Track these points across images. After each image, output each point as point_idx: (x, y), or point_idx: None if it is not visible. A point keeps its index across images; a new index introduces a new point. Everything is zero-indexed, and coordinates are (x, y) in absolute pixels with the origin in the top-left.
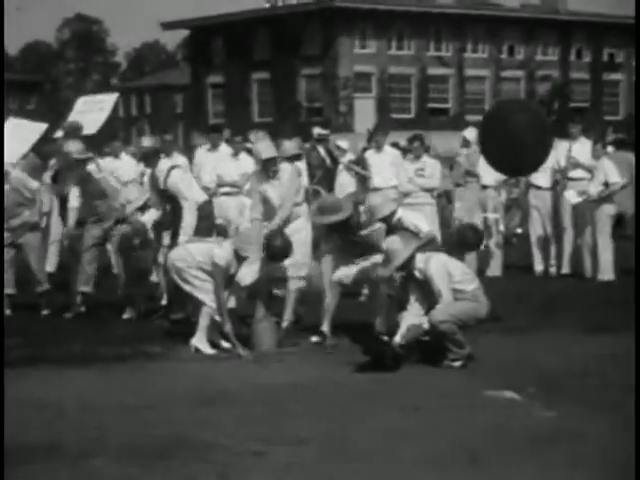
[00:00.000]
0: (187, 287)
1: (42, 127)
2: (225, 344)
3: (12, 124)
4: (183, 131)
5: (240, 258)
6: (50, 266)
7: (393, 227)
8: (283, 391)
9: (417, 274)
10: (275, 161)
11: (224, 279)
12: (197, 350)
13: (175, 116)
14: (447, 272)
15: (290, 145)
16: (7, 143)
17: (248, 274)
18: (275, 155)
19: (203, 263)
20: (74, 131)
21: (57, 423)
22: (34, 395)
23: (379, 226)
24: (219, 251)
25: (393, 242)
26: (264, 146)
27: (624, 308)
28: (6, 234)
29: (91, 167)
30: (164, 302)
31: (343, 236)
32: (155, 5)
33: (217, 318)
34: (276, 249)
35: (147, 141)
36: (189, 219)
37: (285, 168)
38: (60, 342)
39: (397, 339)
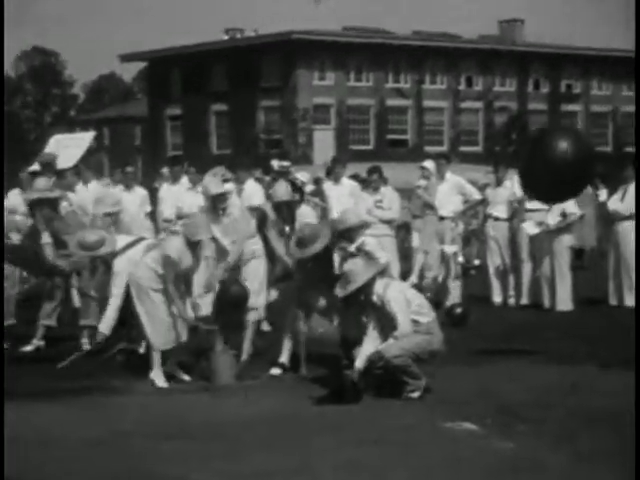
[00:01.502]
0: (140, 310)
1: None
2: (185, 376)
3: None
4: (142, 163)
5: (193, 248)
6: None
7: (353, 252)
8: (244, 425)
9: (375, 299)
10: (225, 197)
11: (175, 273)
12: (153, 384)
13: (134, 148)
14: (405, 300)
15: (283, 190)
16: None
17: (204, 305)
18: (224, 191)
19: (156, 268)
20: (48, 164)
21: (17, 458)
22: None
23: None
24: (168, 244)
25: (354, 264)
26: (213, 181)
27: (583, 338)
28: None
29: (63, 204)
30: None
31: (319, 264)
32: (111, 37)
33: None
34: (232, 298)
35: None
36: None
37: (234, 204)
38: (19, 376)
39: (357, 364)
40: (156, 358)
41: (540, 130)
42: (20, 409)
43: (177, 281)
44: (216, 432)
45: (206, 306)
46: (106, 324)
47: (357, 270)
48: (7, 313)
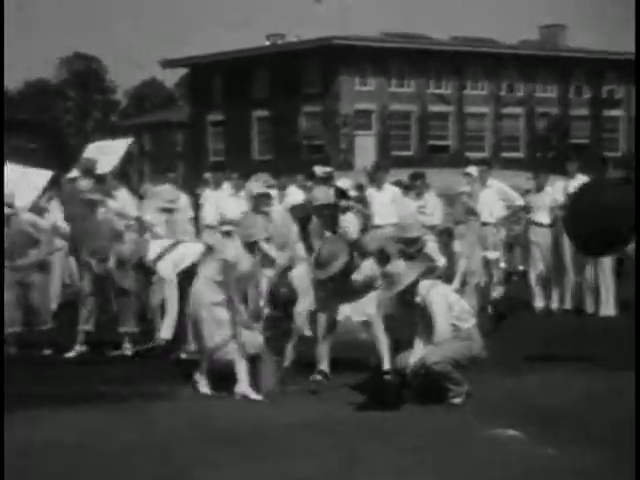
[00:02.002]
0: (200, 319)
1: (48, 174)
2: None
3: (19, 173)
4: (184, 169)
5: (251, 250)
6: (53, 304)
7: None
8: (286, 430)
9: (419, 300)
10: (267, 198)
11: (234, 277)
12: (245, 397)
13: (175, 154)
14: (447, 303)
15: (323, 193)
16: (18, 190)
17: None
18: (267, 191)
19: (214, 277)
20: (88, 170)
21: (57, 464)
22: (34, 436)
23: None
24: (226, 250)
25: (398, 266)
26: (256, 183)
27: (625, 344)
28: (14, 273)
29: (100, 209)
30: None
31: (339, 281)
32: (153, 43)
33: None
34: (281, 297)
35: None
36: None
37: (277, 210)
38: (61, 382)
39: (409, 367)
40: (243, 369)
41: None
42: (62, 414)
43: (238, 286)
44: (258, 437)
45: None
46: (167, 329)
47: (401, 272)
48: (44, 318)
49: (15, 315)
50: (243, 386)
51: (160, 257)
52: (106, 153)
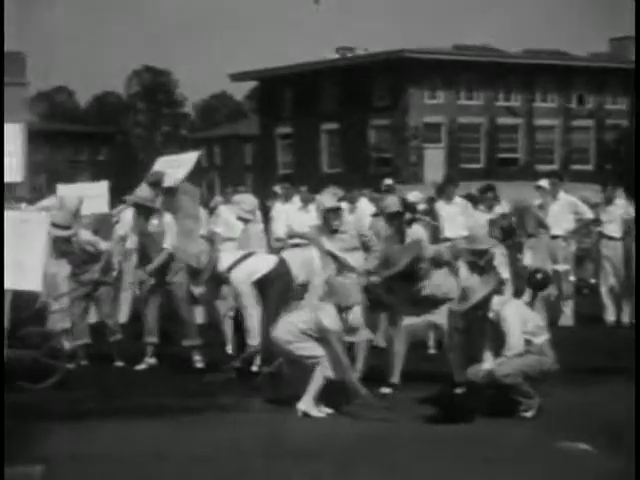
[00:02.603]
0: (301, 352)
1: (104, 185)
2: (325, 409)
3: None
4: (253, 182)
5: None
6: (123, 316)
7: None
8: (356, 443)
9: (492, 315)
10: (338, 212)
11: (342, 341)
12: (306, 414)
13: (244, 167)
14: (521, 319)
15: (393, 201)
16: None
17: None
18: (338, 205)
19: (307, 330)
20: (156, 181)
21: (128, 475)
22: (105, 447)
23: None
24: (326, 317)
25: (471, 281)
26: (327, 196)
27: None
28: (79, 287)
29: (153, 221)
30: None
31: (403, 284)
32: (222, 56)
33: (330, 375)
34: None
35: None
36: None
37: (348, 222)
38: (132, 394)
39: (479, 380)
40: (314, 387)
41: None
42: (132, 426)
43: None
44: (327, 450)
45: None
46: (254, 337)
47: (474, 287)
48: (113, 330)
49: (83, 327)
50: (307, 402)
51: (233, 267)
52: (174, 166)
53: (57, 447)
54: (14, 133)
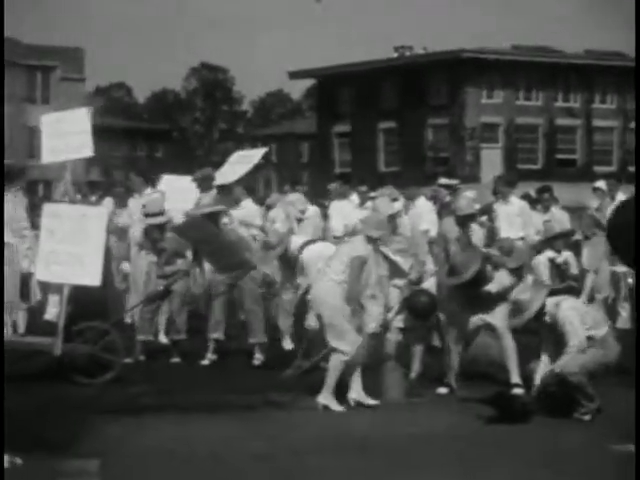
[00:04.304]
0: (328, 330)
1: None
2: (371, 401)
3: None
4: (309, 180)
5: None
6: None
7: None
8: (412, 443)
9: (547, 319)
10: (394, 218)
11: (361, 272)
12: (326, 407)
13: (301, 165)
14: (580, 316)
15: (465, 203)
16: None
17: (373, 321)
18: (394, 212)
19: (338, 278)
20: (205, 180)
21: (185, 472)
22: (161, 443)
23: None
24: (352, 245)
25: (525, 292)
26: (384, 202)
27: None
28: (160, 280)
29: (223, 219)
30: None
31: (471, 290)
32: (279, 54)
33: (347, 357)
34: (421, 307)
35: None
36: None
37: (404, 223)
38: (189, 390)
39: (534, 389)
40: (331, 379)
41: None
42: (189, 422)
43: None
44: (383, 449)
45: (377, 321)
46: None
47: (529, 298)
48: (178, 328)
49: (150, 324)
50: (326, 396)
51: (304, 247)
52: (242, 162)
53: (114, 442)
54: (81, 115)
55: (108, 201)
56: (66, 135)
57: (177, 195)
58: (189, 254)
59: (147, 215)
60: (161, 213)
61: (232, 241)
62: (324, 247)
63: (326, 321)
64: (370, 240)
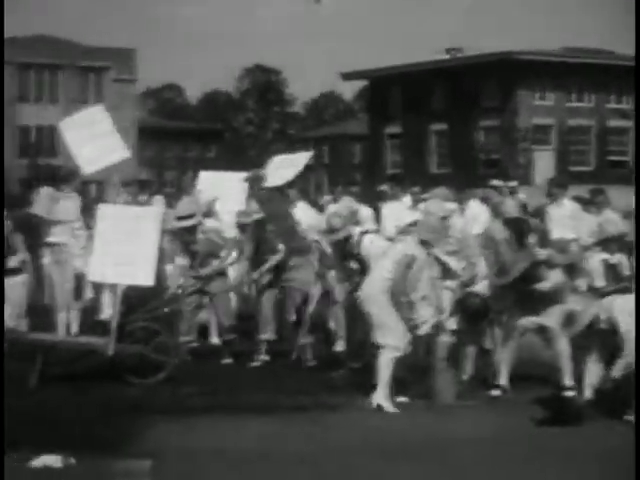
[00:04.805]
0: (375, 326)
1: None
2: (402, 398)
3: (217, 178)
4: (361, 181)
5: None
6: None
7: None
8: (465, 445)
9: (602, 326)
10: (446, 220)
11: (406, 272)
12: (380, 407)
13: (353, 166)
14: (631, 316)
15: (513, 206)
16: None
17: (425, 323)
18: (447, 213)
19: (395, 279)
20: (256, 180)
21: (235, 472)
22: (212, 444)
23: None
24: (402, 245)
25: (577, 303)
26: (435, 203)
27: None
28: (195, 281)
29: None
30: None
31: (518, 292)
32: (332, 56)
33: (398, 353)
34: (473, 309)
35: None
36: None
37: (455, 225)
38: (239, 391)
39: (587, 393)
40: (384, 378)
41: None
42: (239, 423)
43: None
44: (435, 452)
45: (428, 323)
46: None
47: (581, 309)
48: (226, 328)
49: (192, 324)
50: (380, 395)
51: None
52: (285, 166)
53: (165, 442)
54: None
55: (158, 200)
56: (95, 139)
57: (220, 192)
58: (223, 254)
59: (178, 218)
60: (192, 215)
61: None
62: (387, 245)
63: (374, 319)
64: (422, 242)
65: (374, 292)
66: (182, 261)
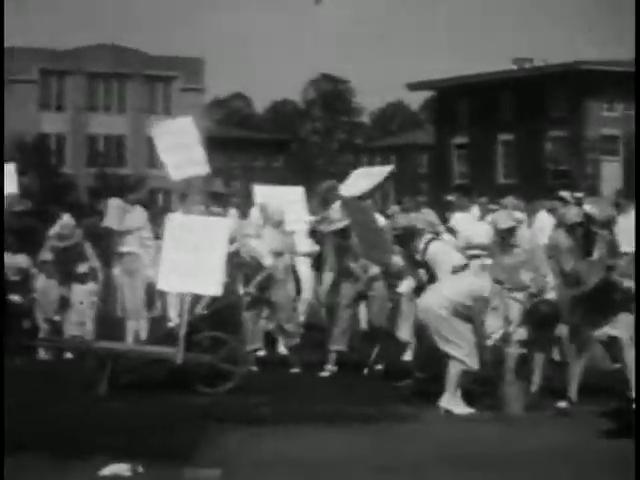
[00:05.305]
0: (439, 339)
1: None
2: (470, 410)
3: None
4: (428, 191)
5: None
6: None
7: None
8: (533, 457)
9: None
10: (513, 231)
11: (485, 313)
12: (447, 412)
13: (419, 176)
14: None
15: (574, 212)
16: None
17: (493, 333)
18: (513, 225)
19: (459, 304)
20: (330, 191)
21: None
22: (280, 453)
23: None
24: (479, 281)
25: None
26: (503, 215)
27: None
28: (255, 291)
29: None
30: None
31: (594, 299)
32: (399, 66)
33: (468, 366)
34: (543, 316)
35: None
36: None
37: (523, 235)
38: (307, 400)
39: None
40: (452, 383)
41: None
42: (311, 434)
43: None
44: (503, 463)
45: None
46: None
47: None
48: (291, 336)
49: (256, 332)
50: (448, 400)
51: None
52: (365, 178)
53: (234, 451)
54: (185, 126)
55: (233, 213)
56: (183, 149)
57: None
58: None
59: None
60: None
61: (385, 236)
62: (447, 247)
63: (433, 331)
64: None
65: (433, 306)
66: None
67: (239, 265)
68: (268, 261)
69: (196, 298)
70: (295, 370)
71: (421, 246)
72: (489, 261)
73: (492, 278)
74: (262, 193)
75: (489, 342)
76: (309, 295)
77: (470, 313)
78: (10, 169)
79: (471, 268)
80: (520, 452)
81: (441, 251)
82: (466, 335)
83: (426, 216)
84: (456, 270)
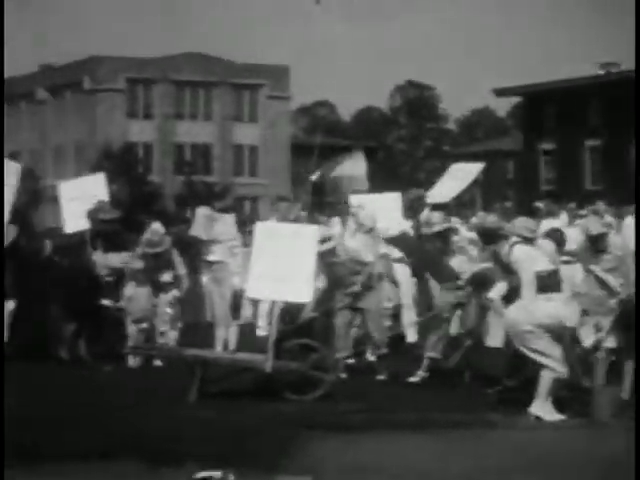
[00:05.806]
0: (527, 350)
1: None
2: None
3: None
4: (514, 198)
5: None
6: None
7: None
8: (621, 464)
9: None
10: (604, 237)
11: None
12: (538, 418)
13: (506, 182)
14: None
15: None
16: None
17: (586, 337)
18: (605, 232)
19: (544, 325)
20: (417, 200)
21: None
22: (370, 460)
23: None
24: (566, 312)
25: None
26: (593, 221)
27: None
28: (345, 298)
29: (454, 237)
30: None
31: None
32: (485, 72)
33: (558, 373)
34: (635, 320)
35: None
36: (527, 294)
37: (614, 242)
38: (396, 407)
39: None
40: (543, 390)
41: None
42: (401, 440)
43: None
44: (593, 470)
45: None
46: None
47: None
48: (378, 344)
49: (347, 340)
50: (538, 406)
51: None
52: (456, 178)
53: (324, 459)
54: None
55: (336, 221)
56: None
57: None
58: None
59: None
60: (327, 239)
61: (439, 254)
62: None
63: (519, 344)
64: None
65: (519, 323)
66: (320, 283)
67: (332, 266)
68: (369, 257)
69: (286, 306)
70: (381, 377)
71: (505, 249)
72: (579, 267)
73: (580, 309)
74: (358, 200)
75: (582, 346)
76: (409, 300)
77: (556, 332)
78: (100, 178)
79: (561, 295)
80: (610, 459)
81: (525, 255)
82: (553, 345)
83: (525, 222)
84: (541, 275)
